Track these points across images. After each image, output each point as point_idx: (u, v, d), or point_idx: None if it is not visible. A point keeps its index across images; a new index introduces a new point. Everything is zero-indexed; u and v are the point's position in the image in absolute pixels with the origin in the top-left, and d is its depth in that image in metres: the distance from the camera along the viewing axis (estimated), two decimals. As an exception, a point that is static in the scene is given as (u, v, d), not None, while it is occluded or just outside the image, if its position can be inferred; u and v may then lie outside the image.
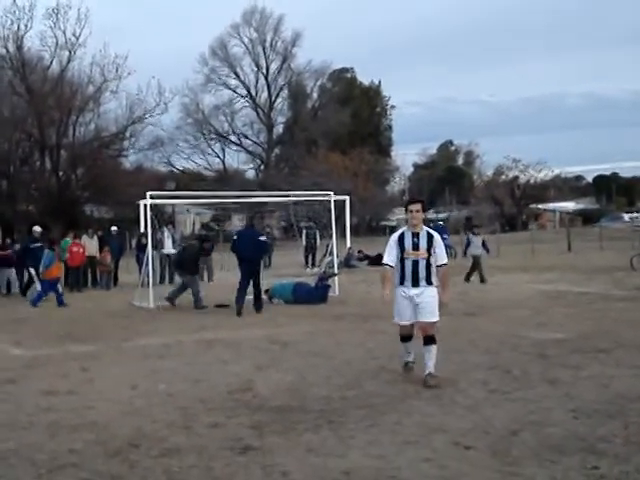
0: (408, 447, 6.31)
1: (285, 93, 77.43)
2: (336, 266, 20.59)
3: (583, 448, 6.12)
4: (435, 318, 8.85)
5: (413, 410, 7.52)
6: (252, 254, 16.55)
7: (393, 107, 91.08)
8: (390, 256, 8.89)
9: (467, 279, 22.00)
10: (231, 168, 76.03)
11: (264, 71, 75.27)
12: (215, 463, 6.00)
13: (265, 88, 75.69)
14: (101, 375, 9.73)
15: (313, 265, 29.69)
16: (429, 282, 8.81)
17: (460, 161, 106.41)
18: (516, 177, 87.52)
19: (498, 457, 5.96)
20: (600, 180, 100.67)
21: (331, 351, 11.11)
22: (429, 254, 8.75)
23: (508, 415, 7.18)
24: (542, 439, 6.39)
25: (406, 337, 9.27)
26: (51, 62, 55.36)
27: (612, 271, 23.73)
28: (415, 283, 8.80)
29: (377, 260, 32.49)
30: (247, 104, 76.10)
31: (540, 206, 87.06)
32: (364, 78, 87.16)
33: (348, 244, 31.16)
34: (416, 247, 8.74)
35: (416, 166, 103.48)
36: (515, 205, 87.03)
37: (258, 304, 16.57)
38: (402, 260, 8.80)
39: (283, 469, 5.80)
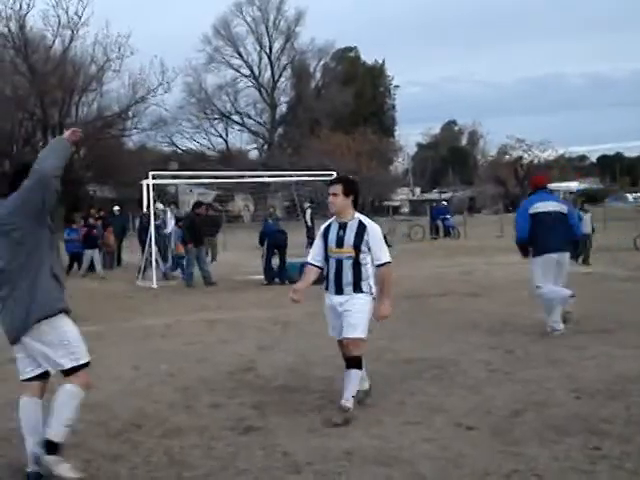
0: (410, 427, 6.30)
1: (288, 73, 77.24)
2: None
3: (585, 429, 6.11)
4: (359, 334, 6.78)
5: (415, 391, 7.52)
6: None
7: (397, 87, 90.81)
8: (314, 253, 7.14)
9: (585, 262, 20.60)
10: (234, 148, 75.96)
11: (267, 50, 75.06)
12: (216, 443, 6.00)
13: (268, 67, 75.53)
14: (103, 355, 9.67)
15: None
16: (358, 288, 6.83)
17: (464, 141, 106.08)
18: (520, 157, 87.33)
19: (500, 437, 5.95)
20: (604, 160, 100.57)
21: (333, 331, 11.09)
22: (358, 251, 6.75)
23: (510, 395, 7.17)
24: (544, 419, 6.38)
25: (347, 359, 7.05)
26: (53, 41, 55.10)
27: (616, 251, 23.69)
28: (338, 289, 6.92)
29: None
30: (250, 84, 75.95)
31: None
32: (368, 57, 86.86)
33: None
34: (340, 242, 6.80)
35: (420, 146, 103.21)
36: (519, 185, 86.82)
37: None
38: (327, 259, 6.99)
39: (284, 449, 5.80)
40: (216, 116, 74.22)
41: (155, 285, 17.98)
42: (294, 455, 5.68)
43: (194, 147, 75.58)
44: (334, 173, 21.14)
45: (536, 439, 5.88)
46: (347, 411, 6.54)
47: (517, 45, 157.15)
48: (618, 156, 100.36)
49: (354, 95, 75.12)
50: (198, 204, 20.51)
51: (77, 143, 5.45)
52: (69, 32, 54.68)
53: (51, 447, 5.21)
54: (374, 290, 6.94)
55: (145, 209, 20.86)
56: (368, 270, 6.85)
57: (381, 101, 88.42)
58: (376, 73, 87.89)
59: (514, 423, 6.31)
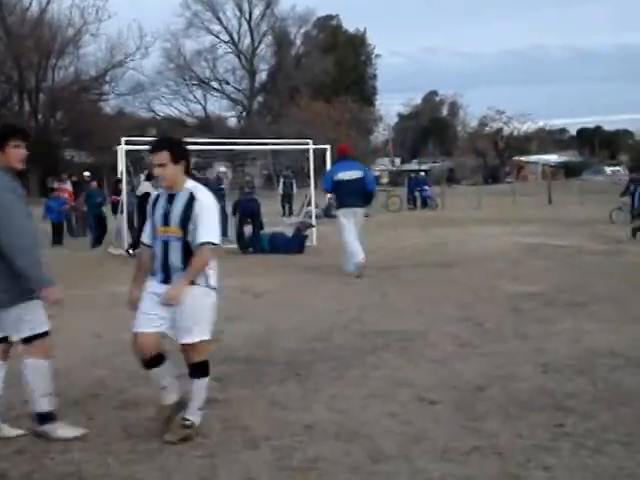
0: (373, 401, 6.19)
1: (268, 40, 76.54)
2: (314, 217, 20.41)
3: (550, 404, 6.03)
4: (199, 336, 5.54)
5: (381, 363, 7.40)
6: None
7: (378, 56, 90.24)
8: (146, 232, 5.74)
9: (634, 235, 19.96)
10: (213, 115, 75.36)
11: (247, 16, 74.29)
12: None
13: (248, 34, 74.78)
14: (66, 323, 9.49)
15: (290, 214, 29.49)
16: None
17: (444, 112, 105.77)
18: (500, 129, 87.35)
19: (463, 412, 5.86)
20: (583, 133, 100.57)
21: (303, 302, 10.98)
22: (186, 231, 5.41)
23: (476, 370, 7.08)
24: (509, 395, 6.29)
25: (148, 359, 5.65)
26: (30, 3, 54.55)
27: (591, 224, 23.66)
28: (166, 277, 5.51)
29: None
30: (229, 50, 75.23)
31: (523, 158, 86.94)
32: (349, 26, 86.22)
33: (329, 194, 31.05)
34: (166, 219, 5.47)
35: (401, 116, 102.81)
36: (498, 157, 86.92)
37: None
38: (155, 240, 5.59)
39: (244, 423, 5.68)
40: (194, 82, 73.56)
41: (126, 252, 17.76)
42: (253, 429, 5.56)
43: (173, 114, 74.97)
44: (310, 142, 20.96)
45: (500, 415, 5.79)
46: (189, 427, 5.44)
47: (499, 16, 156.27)
48: (598, 129, 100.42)
49: (335, 64, 74.59)
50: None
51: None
52: (46, -6, 54.06)
53: (42, 418, 5.49)
54: (213, 280, 5.68)
55: (119, 175, 20.57)
56: None
57: (362, 70, 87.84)
58: (357, 42, 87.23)
59: (478, 398, 6.22)
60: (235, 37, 74.67)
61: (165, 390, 5.62)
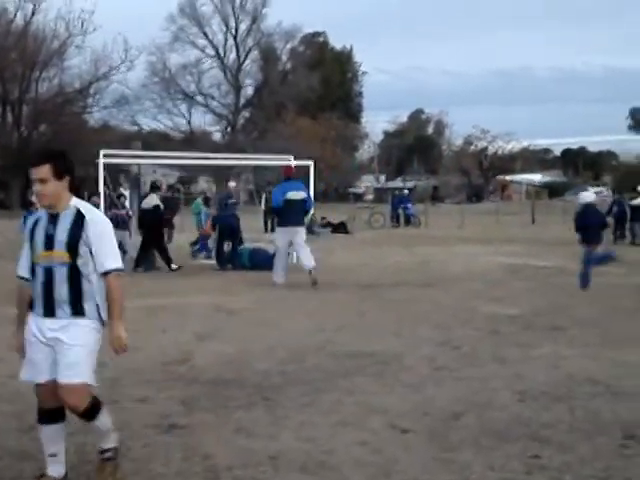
0: (343, 429, 5.95)
1: (254, 55, 76.33)
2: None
3: (526, 434, 5.81)
4: (80, 377, 4.70)
5: (354, 388, 7.16)
6: None
7: (364, 73, 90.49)
8: (22, 262, 4.86)
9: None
10: (198, 129, 75.06)
11: (233, 32, 73.99)
12: (134, 442, 5.61)
13: (234, 49, 74.49)
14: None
15: (272, 230, 29.23)
16: (78, 310, 4.68)
17: (430, 130, 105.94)
18: (485, 148, 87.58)
19: (435, 442, 5.63)
20: (568, 153, 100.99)
21: (279, 321, 10.74)
22: (74, 255, 4.63)
23: (452, 395, 6.85)
24: (484, 423, 6.07)
25: (46, 411, 5.01)
26: (15, 15, 54.23)
27: (574, 244, 23.38)
28: (48, 310, 4.69)
29: (340, 228, 32.30)
30: (215, 65, 74.85)
31: (507, 177, 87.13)
32: (336, 43, 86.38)
33: (311, 210, 30.86)
34: (49, 243, 4.66)
35: (386, 134, 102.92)
36: (483, 176, 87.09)
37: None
38: (33, 268, 4.77)
39: (205, 451, 5.43)
40: (179, 96, 73.16)
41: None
42: (215, 458, 5.31)
43: (158, 127, 74.62)
44: (291, 158, 20.77)
45: (473, 445, 5.57)
46: (114, 458, 4.98)
47: (485, 36, 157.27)
48: (582, 150, 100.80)
49: (321, 80, 74.52)
50: (154, 187, 20.02)
51: None
52: (31, 5, 53.82)
53: None
54: (104, 312, 4.80)
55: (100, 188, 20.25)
56: (94, 283, 4.71)
57: (348, 87, 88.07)
58: (344, 59, 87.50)
59: (452, 427, 6.00)
60: (221, 52, 74.39)
61: (54, 459, 4.86)
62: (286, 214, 15.18)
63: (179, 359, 8.27)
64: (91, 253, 4.66)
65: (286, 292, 13.90)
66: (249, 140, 66.05)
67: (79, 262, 4.64)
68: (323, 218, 32.95)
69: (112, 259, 4.73)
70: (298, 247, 15.25)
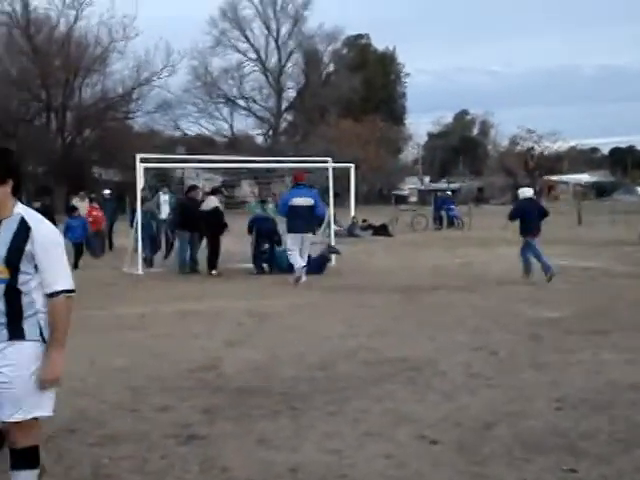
0: (369, 440, 5.70)
1: (295, 58, 76.32)
2: (332, 236, 19.84)
3: (562, 446, 5.50)
4: (27, 412, 4.02)
5: (384, 396, 6.90)
6: None
7: (407, 74, 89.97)
8: None
9: None
10: (241, 134, 75.22)
11: (274, 34, 74.15)
12: (152, 454, 5.41)
13: (275, 52, 74.62)
14: (62, 347, 9.16)
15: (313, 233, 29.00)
16: (18, 332, 4.03)
17: (475, 131, 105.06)
18: (531, 148, 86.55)
19: (465, 454, 5.35)
20: (616, 153, 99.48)
21: (311, 326, 10.50)
22: (15, 270, 4.01)
23: (485, 404, 6.56)
24: (518, 434, 5.77)
25: None
26: (58, 21, 54.70)
27: (620, 245, 23.01)
28: None
29: (381, 230, 31.97)
30: (256, 68, 75.10)
31: (553, 178, 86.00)
32: (379, 45, 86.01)
33: (352, 213, 30.55)
34: None
35: (430, 135, 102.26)
36: (528, 176, 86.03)
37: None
38: None
39: (224, 464, 5.21)
40: (221, 100, 73.44)
41: (141, 272, 17.40)
42: (233, 470, 5.10)
43: (202, 132, 74.99)
44: (329, 160, 20.53)
45: (505, 457, 5.28)
46: None
47: (531, 36, 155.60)
48: (630, 149, 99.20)
49: (364, 82, 74.26)
50: (192, 187, 19.90)
51: None
52: (73, 12, 54.26)
53: None
54: (46, 331, 4.09)
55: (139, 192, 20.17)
56: (36, 301, 4.08)
57: (391, 89, 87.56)
58: (387, 60, 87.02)
59: (484, 437, 5.71)
60: (262, 55, 74.61)
61: None
62: (293, 220, 15.59)
63: (206, 366, 8.07)
64: (36, 268, 4.03)
65: (320, 296, 13.67)
66: (291, 143, 65.96)
67: (20, 279, 4.01)
68: (364, 220, 32.65)
69: (62, 278, 4.09)
70: (302, 249, 15.71)
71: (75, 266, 18.63)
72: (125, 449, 5.52)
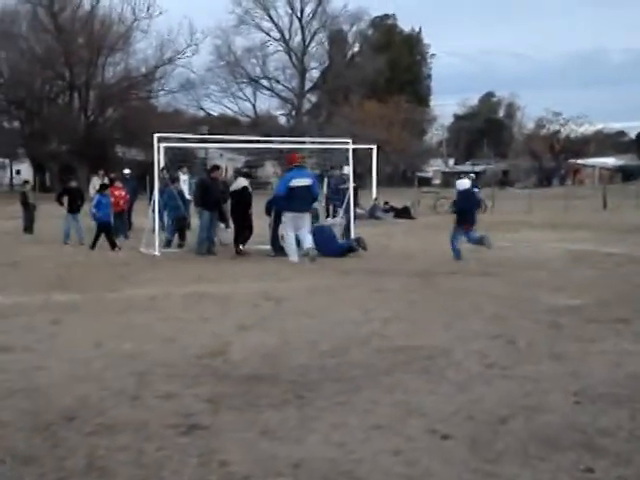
0: (377, 434, 5.45)
1: (319, 38, 75.77)
2: (352, 218, 19.55)
3: (580, 443, 5.24)
4: None
5: (396, 385, 6.64)
6: None
7: (433, 55, 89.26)
8: None
9: None
10: (263, 113, 74.87)
11: (298, 14, 73.62)
12: (149, 445, 5.19)
13: (299, 32, 74.10)
14: (69, 330, 8.99)
15: (334, 215, 28.76)
16: None
17: (501, 113, 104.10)
18: (557, 131, 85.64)
19: (477, 451, 5.09)
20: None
21: (325, 311, 10.24)
22: None
23: (500, 396, 6.29)
24: (534, 429, 5.51)
25: None
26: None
27: (644, 231, 22.59)
28: None
29: (403, 213, 31.64)
30: (280, 48, 74.67)
31: (580, 161, 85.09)
32: (405, 26, 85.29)
33: (374, 195, 30.25)
34: None
35: (456, 117, 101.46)
36: (554, 159, 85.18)
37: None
38: None
39: (223, 457, 4.98)
40: (244, 80, 73.06)
41: (157, 252, 17.22)
42: (232, 465, 4.86)
43: (225, 112, 74.77)
44: (349, 141, 20.24)
45: (519, 454, 5.02)
46: None
47: (556, 18, 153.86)
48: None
49: (389, 63, 73.67)
50: (215, 167, 19.67)
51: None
52: (98, -11, 54.01)
53: None
54: None
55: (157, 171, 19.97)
56: None
57: (417, 70, 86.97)
58: (412, 41, 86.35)
59: (498, 432, 5.45)
60: (286, 35, 74.14)
61: None
62: (291, 200, 16.09)
63: (215, 351, 7.84)
64: None
65: (338, 279, 13.42)
66: (315, 124, 65.57)
67: None
68: (386, 203, 32.34)
69: None
70: (301, 230, 16.18)
71: (112, 245, 18.37)
72: (123, 439, 5.31)
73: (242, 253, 17.18)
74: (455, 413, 5.88)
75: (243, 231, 17.75)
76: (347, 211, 19.66)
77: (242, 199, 17.80)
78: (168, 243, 19.08)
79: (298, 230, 16.24)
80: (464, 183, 17.34)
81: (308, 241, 16.07)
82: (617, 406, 6.04)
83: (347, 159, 20.35)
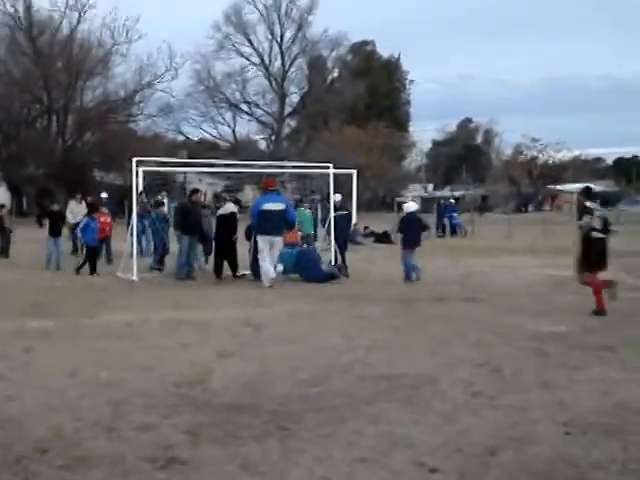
0: (362, 467, 5.26)
1: (299, 63, 75.91)
2: (333, 242, 19.39)
3: (572, 477, 5.08)
4: None
5: (380, 416, 6.45)
6: None
7: (412, 82, 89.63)
8: None
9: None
10: (243, 138, 74.78)
11: (278, 39, 73.73)
12: (125, 480, 4.98)
13: (279, 57, 74.22)
14: (43, 358, 8.74)
15: (315, 239, 28.59)
16: None
17: (479, 139, 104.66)
18: (535, 157, 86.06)
19: (467, 485, 4.92)
20: (620, 163, 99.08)
21: (307, 338, 10.05)
22: None
23: (488, 427, 6.12)
24: (524, 461, 5.34)
25: None
26: (60, 23, 54.32)
27: (627, 256, 22.51)
28: None
29: (383, 238, 31.52)
30: (260, 73, 74.67)
31: (557, 187, 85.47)
32: (383, 51, 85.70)
33: (354, 220, 30.11)
34: None
35: (435, 142, 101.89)
36: (532, 185, 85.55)
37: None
38: None
39: (203, 493, 4.78)
40: (224, 104, 72.95)
41: (135, 277, 16.96)
42: (212, 501, 4.66)
43: (204, 136, 74.64)
44: (330, 166, 20.11)
45: (510, 489, 4.85)
46: None
47: (535, 45, 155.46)
48: (635, 159, 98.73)
49: (368, 89, 73.87)
50: (194, 191, 19.49)
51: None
52: (76, 14, 53.90)
53: None
54: None
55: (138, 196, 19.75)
56: None
57: (396, 96, 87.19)
58: (391, 67, 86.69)
59: (487, 465, 5.27)
60: (266, 60, 74.18)
61: None
62: (264, 224, 16.12)
63: (194, 380, 7.63)
64: None
65: (318, 305, 13.23)
66: (294, 149, 65.55)
67: None
68: (366, 228, 32.23)
69: None
70: (272, 255, 16.17)
71: (92, 269, 18.11)
72: (97, 474, 5.10)
73: (221, 279, 17.06)
74: (442, 445, 5.70)
75: (225, 256, 17.61)
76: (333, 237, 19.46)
77: (229, 224, 17.81)
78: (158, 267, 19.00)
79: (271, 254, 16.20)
80: (411, 206, 18.00)
81: (270, 273, 15.96)
82: (608, 437, 5.88)
83: (327, 184, 20.21)
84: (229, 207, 18.28)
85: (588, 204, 12.42)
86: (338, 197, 19.41)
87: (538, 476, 5.08)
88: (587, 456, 5.46)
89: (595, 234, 12.08)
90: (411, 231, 17.17)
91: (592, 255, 12.13)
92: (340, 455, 5.49)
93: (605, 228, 12.31)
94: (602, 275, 12.38)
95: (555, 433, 5.99)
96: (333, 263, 18.24)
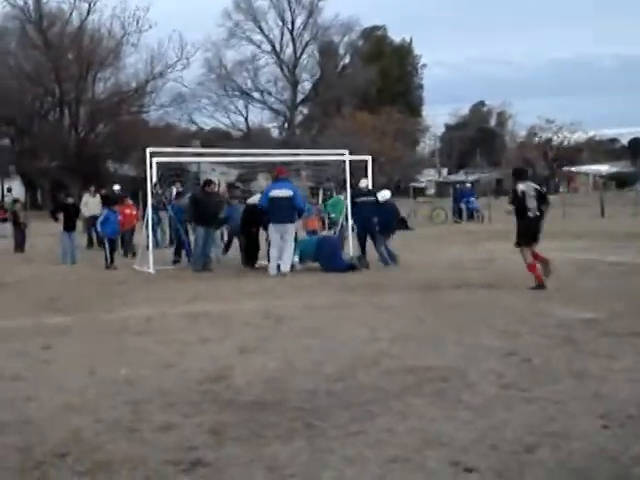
0: (395, 467, 5.03)
1: (311, 49, 75.58)
2: (350, 230, 19.15)
3: (615, 474, 4.85)
4: None
5: (410, 411, 6.23)
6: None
7: (424, 66, 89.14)
8: None
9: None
10: (256, 127, 74.57)
11: (289, 26, 73.47)
12: (148, 486, 4.78)
13: (290, 44, 73.89)
14: (62, 355, 8.57)
15: (330, 228, 28.36)
16: None
17: (493, 122, 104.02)
18: (549, 139, 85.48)
19: (505, 485, 4.69)
20: (635, 143, 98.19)
21: (329, 330, 9.82)
22: None
23: (523, 422, 5.87)
24: (563, 458, 5.10)
25: None
26: (70, 14, 54.15)
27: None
28: None
29: (399, 224, 31.21)
30: (271, 60, 74.47)
31: (573, 169, 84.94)
32: (395, 36, 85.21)
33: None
34: None
35: (448, 126, 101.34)
36: (548, 167, 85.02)
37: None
38: None
39: (230, 499, 4.57)
40: (236, 93, 72.80)
41: (152, 270, 16.80)
42: (239, 508, 4.46)
43: (217, 125, 74.50)
44: (346, 152, 19.87)
45: (551, 489, 4.62)
46: None
47: (548, 26, 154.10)
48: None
49: (380, 74, 73.50)
50: (208, 182, 19.29)
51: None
52: (86, 5, 53.72)
53: None
54: None
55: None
56: None
57: (408, 80, 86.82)
58: (403, 52, 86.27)
59: (525, 463, 5.04)
60: (277, 47, 73.95)
61: None
62: (273, 211, 16.30)
63: (215, 376, 7.42)
64: None
65: (338, 295, 13.02)
66: (307, 136, 65.27)
67: None
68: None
69: None
70: (285, 244, 16.20)
71: (111, 261, 17.98)
72: (119, 479, 4.90)
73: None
74: (477, 442, 5.47)
75: (252, 246, 17.88)
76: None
77: (255, 214, 17.70)
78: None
79: (282, 243, 16.26)
80: (385, 194, 18.44)
81: (285, 260, 16.09)
82: (648, 430, 5.64)
83: (343, 171, 19.99)
84: (257, 197, 18.25)
85: (520, 186, 13.44)
86: (364, 182, 18.92)
87: (578, 473, 4.86)
88: (627, 450, 5.22)
89: (529, 214, 13.47)
90: (385, 219, 17.65)
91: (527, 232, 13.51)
92: (371, 454, 5.27)
93: (539, 207, 13.61)
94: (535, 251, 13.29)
95: (592, 427, 5.74)
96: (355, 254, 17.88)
